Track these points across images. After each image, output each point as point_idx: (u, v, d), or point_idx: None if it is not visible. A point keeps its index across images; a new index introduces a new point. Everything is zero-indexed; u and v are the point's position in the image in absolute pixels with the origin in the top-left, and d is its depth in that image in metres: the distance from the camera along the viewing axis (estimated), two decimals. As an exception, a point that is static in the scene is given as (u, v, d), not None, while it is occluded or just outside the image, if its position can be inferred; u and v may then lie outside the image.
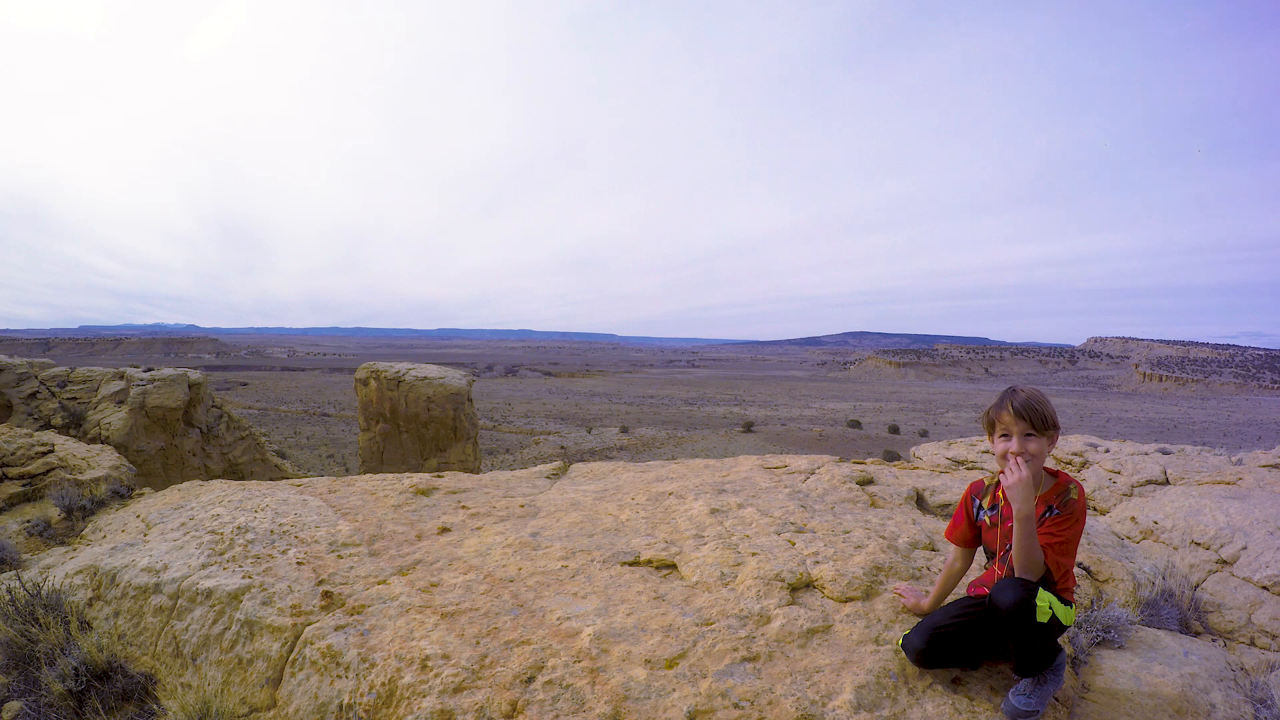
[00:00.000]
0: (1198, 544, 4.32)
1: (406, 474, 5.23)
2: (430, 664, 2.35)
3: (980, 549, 2.57)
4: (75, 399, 17.42)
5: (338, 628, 2.64)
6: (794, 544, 3.23)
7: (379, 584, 3.02)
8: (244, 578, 3.06)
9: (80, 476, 6.83)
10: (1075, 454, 8.36)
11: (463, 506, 4.19)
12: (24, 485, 6.35)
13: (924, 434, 62.56)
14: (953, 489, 4.58)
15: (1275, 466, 6.36)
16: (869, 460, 5.54)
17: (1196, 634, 3.30)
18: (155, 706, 2.70)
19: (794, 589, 2.82)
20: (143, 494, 6.20)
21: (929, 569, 3.09)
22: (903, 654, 2.37)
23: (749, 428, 65.57)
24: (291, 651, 2.63)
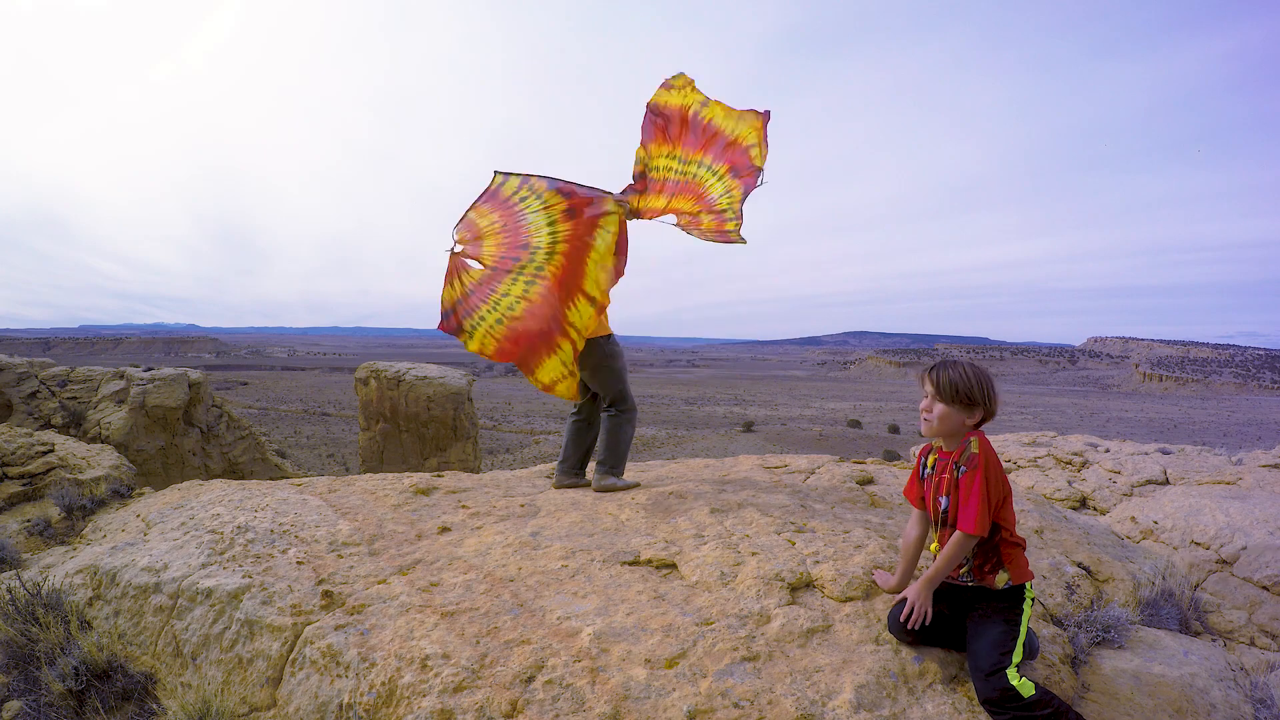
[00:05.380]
0: (1198, 544, 4.32)
1: (406, 473, 5.22)
2: (430, 663, 2.35)
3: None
4: (75, 398, 17.41)
5: (338, 627, 2.64)
6: (794, 544, 3.23)
7: (379, 583, 3.02)
8: (244, 577, 3.06)
9: (80, 476, 6.82)
10: (1075, 454, 8.35)
11: (463, 506, 4.19)
12: (24, 485, 6.35)
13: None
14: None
15: (1275, 466, 6.35)
16: (869, 460, 5.53)
17: (1196, 634, 3.30)
18: (155, 706, 2.70)
19: (794, 588, 2.82)
20: (143, 493, 6.20)
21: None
22: (903, 654, 2.40)
23: (749, 427, 65.56)
24: (291, 651, 2.63)
